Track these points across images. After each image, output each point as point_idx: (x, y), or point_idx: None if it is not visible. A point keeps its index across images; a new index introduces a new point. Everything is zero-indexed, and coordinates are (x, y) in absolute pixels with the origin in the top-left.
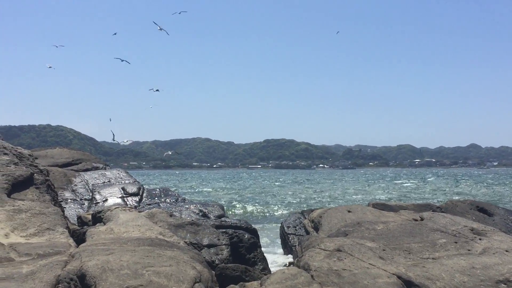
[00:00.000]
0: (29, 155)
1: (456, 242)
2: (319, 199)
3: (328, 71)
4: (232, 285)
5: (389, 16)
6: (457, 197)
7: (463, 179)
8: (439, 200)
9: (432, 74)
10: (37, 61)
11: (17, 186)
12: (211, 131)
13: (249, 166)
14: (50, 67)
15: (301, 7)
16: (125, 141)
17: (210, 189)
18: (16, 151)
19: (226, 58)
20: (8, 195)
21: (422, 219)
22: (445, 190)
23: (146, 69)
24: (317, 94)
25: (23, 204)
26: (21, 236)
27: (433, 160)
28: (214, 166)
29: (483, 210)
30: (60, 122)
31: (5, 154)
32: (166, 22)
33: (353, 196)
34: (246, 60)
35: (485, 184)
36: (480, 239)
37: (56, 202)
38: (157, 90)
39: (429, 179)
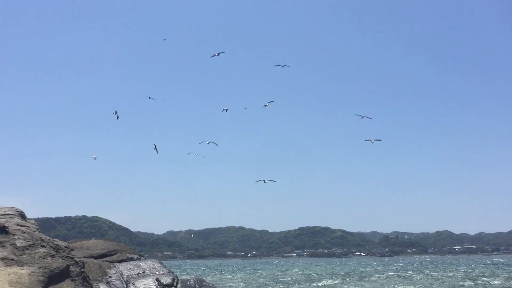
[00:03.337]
0: (66, 247)
1: None
2: None
3: (360, 156)
4: None
5: (425, 107)
6: None
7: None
8: None
9: (470, 157)
10: (73, 151)
11: (54, 278)
12: (245, 219)
13: (284, 254)
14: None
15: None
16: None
17: (241, 280)
18: (53, 243)
19: (257, 149)
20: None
21: None
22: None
23: (178, 160)
24: (351, 179)
25: None
26: None
27: (474, 247)
28: (249, 255)
29: None
30: (96, 213)
31: (43, 246)
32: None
33: None
34: (277, 148)
35: None
36: None
37: None
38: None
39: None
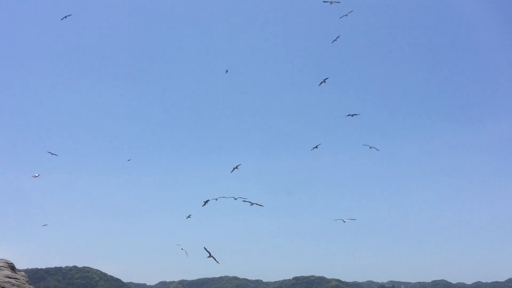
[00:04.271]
0: None
1: None
2: None
3: (356, 204)
4: None
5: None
6: None
7: None
8: None
9: (465, 207)
10: (63, 199)
11: None
12: (239, 268)
13: None
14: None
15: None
16: None
17: None
18: None
19: (249, 193)
20: None
21: None
22: None
23: (170, 208)
24: (346, 228)
25: None
26: None
27: None
28: None
29: None
30: (86, 263)
31: None
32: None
33: None
34: (273, 196)
35: None
36: None
37: None
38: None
39: None
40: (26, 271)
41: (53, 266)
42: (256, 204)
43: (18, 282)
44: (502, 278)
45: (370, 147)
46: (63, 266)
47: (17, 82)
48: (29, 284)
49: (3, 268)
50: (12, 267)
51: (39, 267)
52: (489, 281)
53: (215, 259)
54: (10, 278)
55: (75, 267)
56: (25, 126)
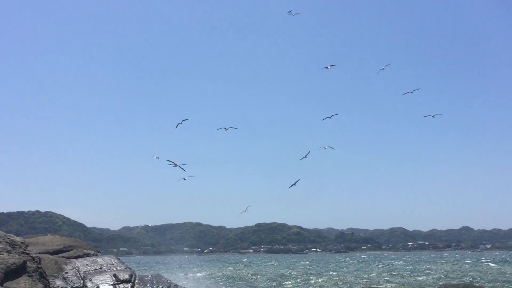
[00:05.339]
0: (22, 242)
1: None
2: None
3: (317, 153)
4: None
5: (382, 101)
6: (453, 281)
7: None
8: (433, 284)
9: (422, 155)
10: (26, 144)
11: (10, 274)
12: (202, 215)
13: (241, 250)
14: (157, 157)
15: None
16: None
17: (200, 274)
18: (8, 238)
19: (214, 143)
20: (1, 284)
21: None
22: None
23: (137, 148)
24: (307, 176)
25: None
26: None
27: (426, 243)
28: (205, 251)
29: None
30: (49, 208)
31: None
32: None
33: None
34: (235, 145)
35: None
36: None
37: None
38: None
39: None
40: None
41: (15, 211)
42: (179, 166)
43: None
44: (456, 226)
45: (327, 67)
46: (26, 210)
47: None
48: None
49: None
50: None
51: (1, 211)
52: (444, 228)
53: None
54: None
55: (37, 211)
56: None
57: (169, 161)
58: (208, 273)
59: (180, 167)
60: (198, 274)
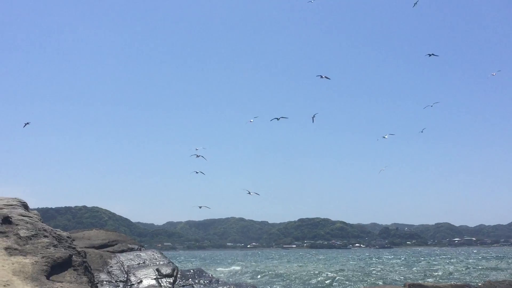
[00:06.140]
0: (68, 237)
1: None
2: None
3: (361, 148)
4: None
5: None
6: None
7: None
8: (477, 280)
9: (470, 149)
10: (74, 141)
11: (56, 267)
12: (245, 210)
13: (284, 246)
14: (199, 152)
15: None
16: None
17: (238, 267)
18: (55, 233)
19: (257, 138)
20: (47, 277)
21: None
22: (485, 269)
23: (180, 149)
24: (351, 171)
25: (61, 286)
26: None
27: (473, 239)
28: (248, 246)
29: None
30: (96, 203)
31: (45, 236)
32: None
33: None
34: (277, 139)
35: None
36: None
37: (93, 284)
38: (200, 153)
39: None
40: (36, 209)
41: (63, 206)
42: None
43: (31, 220)
44: (504, 221)
45: (322, 77)
46: (73, 206)
47: None
48: (42, 223)
49: (16, 206)
50: (25, 206)
51: (50, 207)
52: (492, 224)
53: (203, 157)
54: (23, 216)
55: (84, 207)
56: None
57: (197, 150)
58: (250, 269)
59: (202, 157)
60: (238, 268)
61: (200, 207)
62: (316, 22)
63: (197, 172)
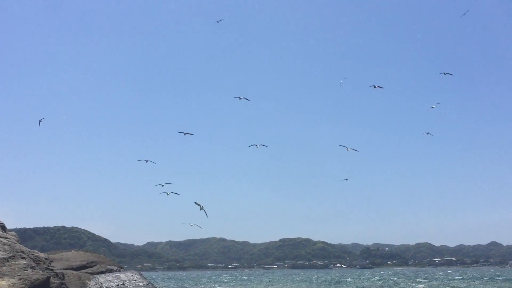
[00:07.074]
0: (46, 258)
1: None
2: None
3: (341, 168)
4: None
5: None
6: None
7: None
8: None
9: (450, 172)
10: (52, 161)
11: None
12: (226, 230)
13: (265, 266)
14: (165, 189)
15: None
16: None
17: None
18: (33, 254)
19: (240, 159)
20: None
21: None
22: None
23: (159, 167)
24: (332, 192)
25: None
26: None
27: (453, 259)
28: (229, 266)
29: None
30: (75, 223)
31: (23, 258)
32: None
33: None
34: (260, 161)
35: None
36: None
37: None
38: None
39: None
40: (14, 230)
41: (42, 226)
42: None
43: (9, 241)
44: (484, 242)
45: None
46: (51, 226)
47: None
48: (20, 244)
49: None
50: (2, 227)
51: (27, 227)
52: (472, 244)
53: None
54: (1, 237)
55: (63, 227)
56: None
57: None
58: None
59: (174, 193)
60: None
61: (192, 225)
62: (318, 22)
63: (168, 194)
